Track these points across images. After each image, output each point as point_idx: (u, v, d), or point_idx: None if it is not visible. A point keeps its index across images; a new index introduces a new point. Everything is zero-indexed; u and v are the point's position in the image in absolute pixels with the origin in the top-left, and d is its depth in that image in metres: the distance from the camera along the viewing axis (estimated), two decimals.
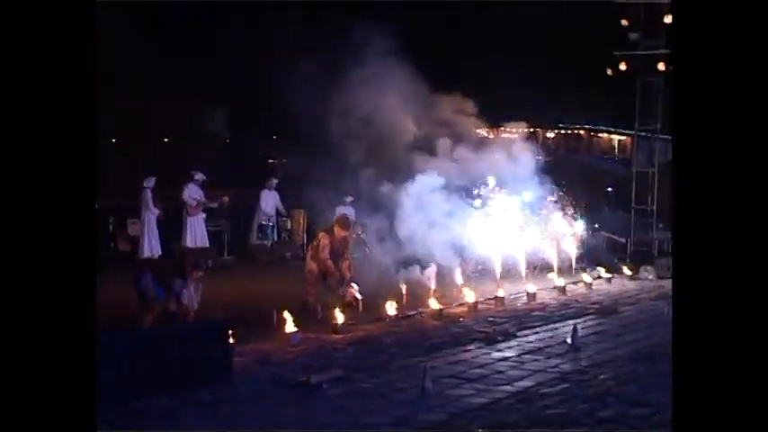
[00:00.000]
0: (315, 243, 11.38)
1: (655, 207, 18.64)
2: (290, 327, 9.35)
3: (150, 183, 15.35)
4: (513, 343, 9.50)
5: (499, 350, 9.10)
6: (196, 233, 15.51)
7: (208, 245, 15.76)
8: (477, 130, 15.28)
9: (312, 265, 11.08)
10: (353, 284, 11.01)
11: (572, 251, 16.12)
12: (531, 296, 13.00)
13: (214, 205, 16.57)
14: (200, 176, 15.78)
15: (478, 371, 8.09)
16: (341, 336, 9.68)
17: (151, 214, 15.25)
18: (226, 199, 17.21)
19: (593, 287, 14.58)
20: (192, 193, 15.61)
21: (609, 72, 20.03)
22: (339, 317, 9.99)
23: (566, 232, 16.20)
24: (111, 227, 16.21)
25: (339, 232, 11.14)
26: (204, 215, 15.87)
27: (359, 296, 10.92)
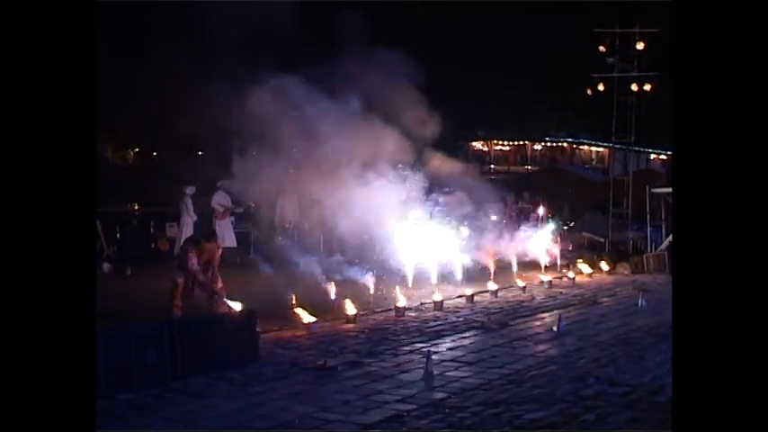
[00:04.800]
0: (181, 254, 9.88)
1: (629, 210, 18.70)
2: (308, 317, 9.34)
3: (190, 190, 15.37)
4: (505, 331, 9.48)
5: (493, 337, 9.08)
6: (224, 236, 15.49)
7: (235, 245, 15.75)
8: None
9: (180, 278, 9.48)
10: (226, 300, 9.43)
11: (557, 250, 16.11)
12: (522, 289, 12.99)
13: (239, 210, 16.54)
14: (225, 184, 15.74)
15: (475, 355, 8.07)
16: (354, 324, 9.68)
17: (189, 218, 15.28)
18: (252, 204, 17.15)
19: (575, 281, 14.55)
20: (219, 199, 15.60)
21: (588, 92, 20.15)
22: (351, 308, 9.98)
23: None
24: (152, 230, 16.27)
25: (206, 244, 9.66)
26: (233, 219, 15.86)
27: (233, 306, 9.28)
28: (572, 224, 18.00)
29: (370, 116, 12.60)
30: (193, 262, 9.36)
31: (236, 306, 9.19)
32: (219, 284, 9.65)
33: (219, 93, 11.50)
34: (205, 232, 10.63)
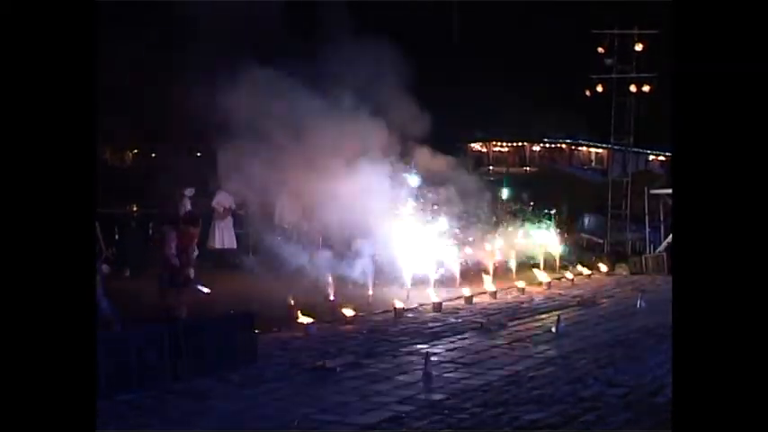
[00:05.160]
0: (159, 237, 9.40)
1: (628, 211, 18.73)
2: (307, 318, 9.34)
3: (190, 192, 15.33)
4: (504, 332, 9.49)
5: (492, 338, 9.09)
6: (224, 236, 15.46)
7: (235, 246, 15.72)
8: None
9: (168, 266, 8.92)
10: (199, 286, 9.06)
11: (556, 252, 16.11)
12: (521, 290, 12.99)
13: (241, 212, 16.49)
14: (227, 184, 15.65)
15: (474, 356, 8.08)
16: (352, 326, 9.68)
17: None
18: (247, 206, 17.06)
19: (574, 282, 14.56)
20: (221, 199, 15.55)
21: (587, 93, 20.19)
22: (349, 309, 9.98)
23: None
24: (150, 231, 16.23)
25: (187, 228, 9.21)
26: (232, 219, 15.81)
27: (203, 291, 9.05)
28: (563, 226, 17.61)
29: (357, 110, 12.42)
30: (171, 246, 8.90)
31: (205, 290, 8.93)
32: (191, 270, 9.18)
33: (210, 89, 11.40)
34: (186, 216, 10.27)
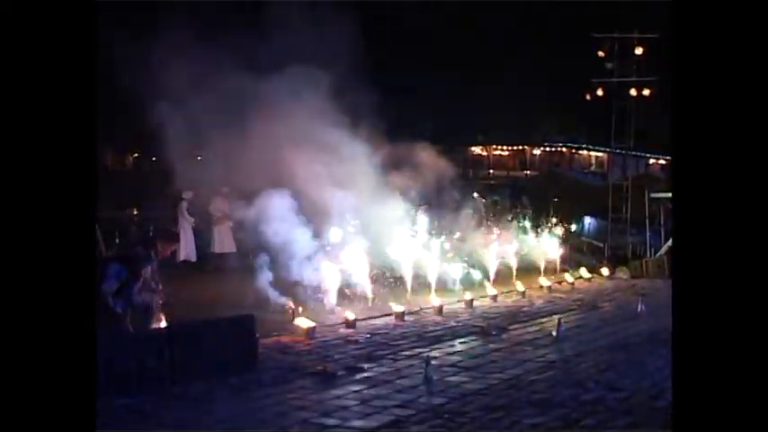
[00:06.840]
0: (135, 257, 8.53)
1: (628, 215, 18.77)
2: (307, 322, 9.32)
3: (188, 195, 15.31)
4: (504, 336, 9.47)
5: (492, 342, 9.07)
6: (223, 241, 15.45)
7: (234, 250, 15.68)
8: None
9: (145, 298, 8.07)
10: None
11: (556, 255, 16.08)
12: (521, 294, 12.98)
13: (238, 218, 16.40)
14: (225, 190, 15.65)
15: (474, 360, 8.06)
16: (353, 329, 9.66)
17: (186, 222, 15.25)
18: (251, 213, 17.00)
19: (575, 286, 14.54)
20: (217, 205, 15.52)
21: (587, 97, 20.26)
22: (350, 313, 9.97)
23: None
24: (151, 235, 16.21)
25: (162, 243, 8.68)
26: (231, 224, 15.77)
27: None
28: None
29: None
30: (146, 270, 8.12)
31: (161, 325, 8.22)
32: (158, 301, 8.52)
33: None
34: (161, 233, 10.15)
